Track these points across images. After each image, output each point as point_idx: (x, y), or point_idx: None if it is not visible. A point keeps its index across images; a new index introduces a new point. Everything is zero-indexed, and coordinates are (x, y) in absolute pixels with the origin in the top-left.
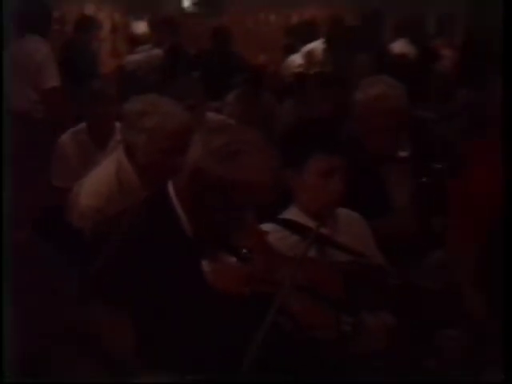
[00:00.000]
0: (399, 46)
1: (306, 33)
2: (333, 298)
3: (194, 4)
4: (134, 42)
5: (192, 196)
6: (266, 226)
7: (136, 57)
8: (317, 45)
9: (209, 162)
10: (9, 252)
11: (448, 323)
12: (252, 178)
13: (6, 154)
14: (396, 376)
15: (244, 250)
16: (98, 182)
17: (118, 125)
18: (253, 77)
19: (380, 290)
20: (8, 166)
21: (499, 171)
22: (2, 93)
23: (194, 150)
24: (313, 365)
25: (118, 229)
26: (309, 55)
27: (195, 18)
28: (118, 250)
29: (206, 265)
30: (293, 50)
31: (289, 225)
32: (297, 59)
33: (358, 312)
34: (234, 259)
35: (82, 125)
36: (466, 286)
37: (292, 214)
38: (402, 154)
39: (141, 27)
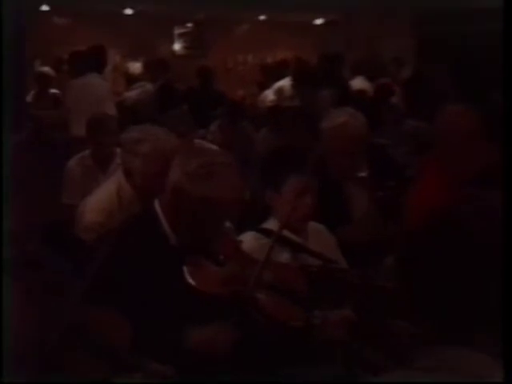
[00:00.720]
0: (358, 83)
1: (278, 72)
2: (301, 296)
3: (183, 47)
4: (131, 79)
5: (174, 211)
6: (249, 234)
7: (133, 93)
8: (286, 82)
9: (186, 182)
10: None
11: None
12: (224, 195)
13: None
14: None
15: (220, 256)
16: (101, 199)
17: (118, 150)
18: (232, 109)
19: (343, 288)
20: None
21: (440, 185)
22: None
23: (174, 171)
24: (285, 353)
25: (113, 238)
26: (279, 91)
27: (184, 59)
28: (113, 256)
29: (187, 269)
30: (266, 86)
31: (267, 233)
32: (269, 94)
33: (325, 307)
34: (211, 264)
35: (87, 151)
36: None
37: (270, 224)
38: (362, 174)
39: (137, 67)
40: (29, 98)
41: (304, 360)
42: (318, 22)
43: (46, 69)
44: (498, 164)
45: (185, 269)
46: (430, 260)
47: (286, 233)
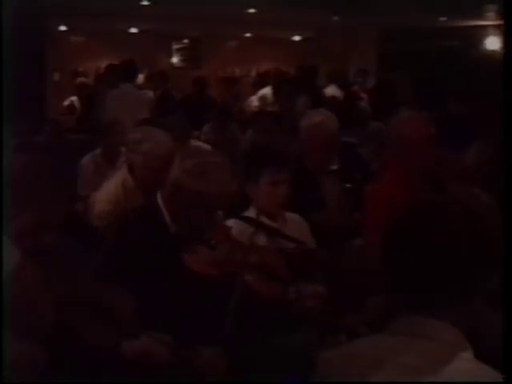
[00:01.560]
0: (330, 90)
1: (262, 82)
2: (279, 274)
3: (180, 60)
4: None
5: (174, 203)
6: (232, 222)
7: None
8: (267, 90)
9: (184, 178)
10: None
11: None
12: (216, 190)
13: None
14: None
15: (212, 241)
16: (109, 191)
17: (123, 149)
18: (222, 113)
19: (315, 267)
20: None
21: (401, 180)
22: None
23: (174, 169)
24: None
25: (121, 226)
26: (262, 98)
27: (181, 70)
28: (120, 241)
29: (184, 253)
30: (252, 93)
31: (248, 220)
32: (254, 101)
33: (298, 285)
34: (205, 248)
35: (98, 150)
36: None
37: (250, 212)
38: (333, 167)
39: (140, 78)
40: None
41: (286, 329)
42: (296, 38)
43: (83, 79)
44: (447, 164)
45: (183, 253)
46: (401, 242)
47: (265, 220)
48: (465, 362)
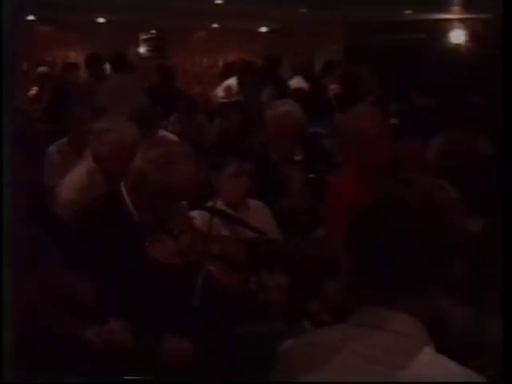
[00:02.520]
0: (296, 82)
1: (227, 72)
2: (241, 264)
3: (147, 51)
4: None
5: (137, 193)
6: (195, 212)
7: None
8: (232, 81)
9: (148, 168)
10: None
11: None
12: (180, 180)
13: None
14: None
15: (175, 231)
16: (74, 180)
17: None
18: (189, 103)
19: (277, 257)
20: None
21: (361, 174)
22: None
23: (138, 158)
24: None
25: (85, 214)
26: (227, 89)
27: (148, 61)
28: (84, 230)
29: (147, 242)
30: (218, 84)
31: (210, 210)
32: (219, 91)
33: (260, 274)
34: (168, 238)
35: (65, 139)
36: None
37: (213, 203)
38: (297, 157)
39: (107, 67)
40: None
41: (244, 318)
42: (263, 30)
43: (44, 69)
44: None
45: (146, 242)
46: (364, 234)
47: (227, 209)
48: (422, 354)
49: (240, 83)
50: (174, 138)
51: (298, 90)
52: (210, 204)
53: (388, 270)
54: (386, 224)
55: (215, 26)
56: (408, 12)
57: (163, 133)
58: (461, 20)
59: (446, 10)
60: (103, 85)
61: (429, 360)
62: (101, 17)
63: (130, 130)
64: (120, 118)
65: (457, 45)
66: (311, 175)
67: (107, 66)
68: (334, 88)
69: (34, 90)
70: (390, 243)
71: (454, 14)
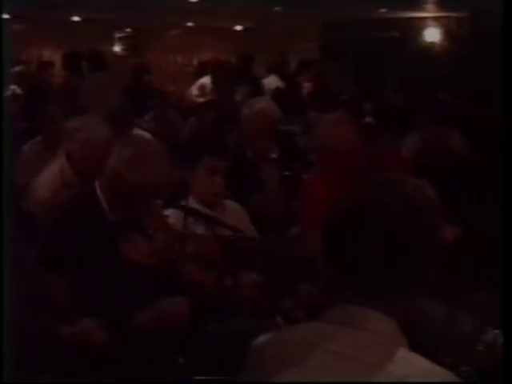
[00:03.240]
0: (271, 80)
1: (202, 71)
2: (215, 262)
3: (122, 49)
4: None
5: (112, 192)
6: (169, 211)
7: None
8: (206, 79)
9: (122, 168)
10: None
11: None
12: (154, 180)
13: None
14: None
15: (150, 230)
16: (47, 178)
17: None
18: (164, 101)
19: (252, 255)
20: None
21: (334, 175)
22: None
23: (112, 158)
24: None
25: (59, 213)
26: (201, 87)
27: (123, 59)
28: (58, 229)
29: (122, 242)
30: (193, 82)
31: (184, 209)
32: (194, 90)
33: (235, 272)
34: (142, 238)
35: (39, 137)
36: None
37: (188, 201)
38: (273, 155)
39: (83, 65)
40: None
41: (219, 315)
42: (238, 28)
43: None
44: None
45: (120, 241)
46: (342, 233)
47: (202, 208)
48: (395, 352)
49: (214, 82)
50: (148, 136)
51: (274, 88)
52: (184, 203)
53: (365, 271)
54: (366, 225)
55: (190, 24)
56: (383, 10)
57: (138, 131)
58: (435, 18)
59: (421, 9)
60: (83, 83)
61: (402, 358)
62: (76, 15)
63: (102, 128)
64: (93, 117)
65: (431, 43)
66: (286, 173)
67: (84, 65)
68: (308, 86)
69: (9, 90)
70: (369, 245)
71: (428, 13)
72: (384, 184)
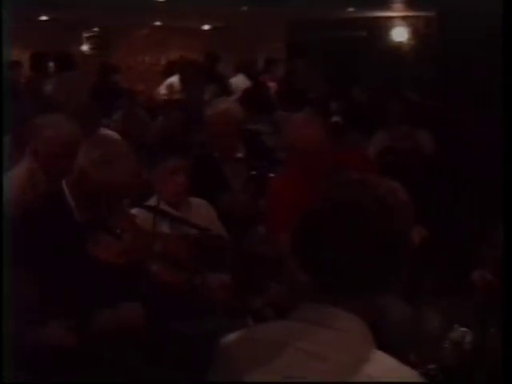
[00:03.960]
0: (238, 79)
1: (170, 70)
2: (183, 261)
3: (91, 49)
4: None
5: (79, 191)
6: (136, 210)
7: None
8: (175, 79)
9: (89, 167)
10: None
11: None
12: (121, 180)
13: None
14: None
15: (118, 230)
16: (14, 177)
17: None
18: (132, 101)
19: (220, 253)
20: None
21: (301, 175)
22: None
23: (80, 157)
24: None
25: (26, 212)
26: (169, 86)
27: (91, 58)
28: (25, 229)
29: (90, 241)
30: (161, 82)
31: (150, 209)
32: (162, 89)
33: (203, 271)
34: (110, 237)
35: (7, 136)
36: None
37: (153, 201)
38: (238, 154)
39: (51, 65)
40: None
41: (188, 315)
42: (206, 27)
43: None
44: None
45: (88, 241)
46: (312, 233)
47: (167, 208)
48: (363, 351)
49: (182, 81)
50: (115, 136)
51: (243, 88)
52: (150, 202)
53: (337, 271)
54: (339, 225)
55: (158, 23)
56: (351, 9)
57: (105, 131)
58: (403, 18)
59: (389, 8)
60: (51, 83)
61: (371, 357)
62: (43, 15)
63: (69, 126)
64: (59, 115)
65: (399, 42)
66: (253, 172)
67: (51, 65)
68: (275, 86)
69: None
70: (342, 245)
71: (396, 12)
72: (355, 184)
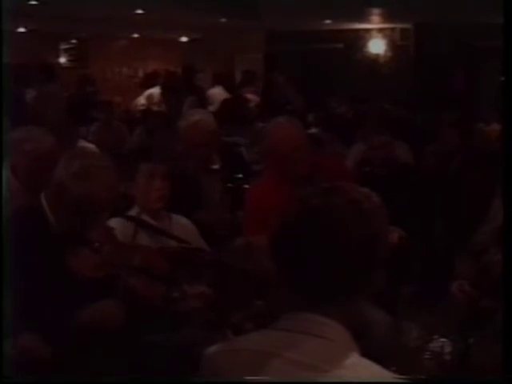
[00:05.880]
0: (216, 91)
1: (149, 82)
2: (162, 274)
3: (68, 60)
4: None
5: (57, 204)
6: (114, 221)
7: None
8: (155, 90)
9: (68, 180)
10: None
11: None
12: (99, 193)
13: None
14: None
15: (96, 244)
16: None
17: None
18: (109, 113)
19: (198, 266)
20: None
21: (277, 182)
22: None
23: (59, 170)
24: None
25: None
26: (149, 97)
27: (69, 70)
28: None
29: (67, 255)
30: (140, 93)
31: (129, 219)
32: (141, 99)
33: (182, 284)
34: (88, 251)
35: None
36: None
37: (134, 211)
38: (215, 166)
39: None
40: None
41: (167, 328)
42: (183, 39)
43: None
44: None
45: (66, 254)
46: (290, 240)
47: (148, 219)
48: (346, 358)
49: (163, 93)
50: (93, 148)
51: (220, 100)
52: (130, 213)
53: (314, 278)
54: (314, 232)
55: (135, 35)
56: (327, 22)
57: (83, 143)
58: (379, 30)
59: (365, 20)
60: (27, 96)
61: (356, 364)
62: (21, 26)
63: (47, 139)
64: (38, 129)
65: (375, 54)
66: (229, 184)
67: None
68: (252, 97)
69: None
70: (319, 251)
71: (373, 24)
72: (328, 191)
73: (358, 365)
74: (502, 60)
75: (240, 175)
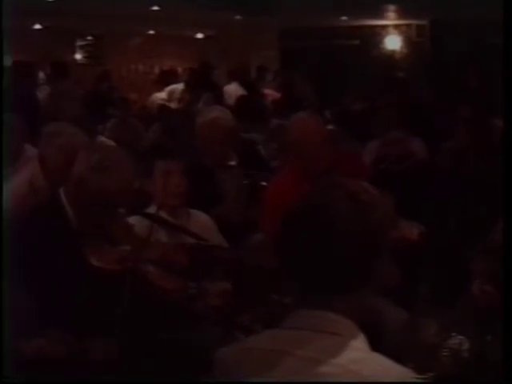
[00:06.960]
0: (232, 88)
1: (168, 78)
2: (181, 269)
3: (84, 57)
4: None
5: (77, 199)
6: (133, 219)
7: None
8: (177, 86)
9: (88, 174)
10: None
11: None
12: (117, 187)
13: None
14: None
15: (115, 238)
16: (14, 186)
17: (27, 146)
18: (126, 109)
19: (218, 263)
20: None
21: (297, 178)
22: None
23: (77, 165)
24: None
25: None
26: (171, 92)
27: (84, 67)
28: (24, 238)
29: (88, 249)
30: (156, 90)
31: (148, 216)
32: (161, 95)
33: (202, 279)
34: (108, 245)
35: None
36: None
37: (151, 209)
38: (232, 163)
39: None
40: None
41: (186, 325)
42: (199, 36)
43: None
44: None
45: (86, 249)
46: (294, 235)
47: (166, 216)
48: (357, 352)
49: (186, 90)
50: (111, 144)
51: (237, 96)
52: (148, 210)
53: (317, 271)
54: (316, 228)
55: (151, 32)
56: (344, 18)
57: (101, 139)
58: (395, 26)
59: (381, 17)
60: (45, 92)
61: (366, 358)
62: (37, 23)
63: (79, 135)
64: (68, 124)
65: (391, 50)
66: (245, 181)
67: (43, 74)
68: (268, 93)
69: None
70: (318, 245)
71: (388, 20)
72: (327, 187)
73: (368, 359)
74: (503, 59)
75: (258, 172)
